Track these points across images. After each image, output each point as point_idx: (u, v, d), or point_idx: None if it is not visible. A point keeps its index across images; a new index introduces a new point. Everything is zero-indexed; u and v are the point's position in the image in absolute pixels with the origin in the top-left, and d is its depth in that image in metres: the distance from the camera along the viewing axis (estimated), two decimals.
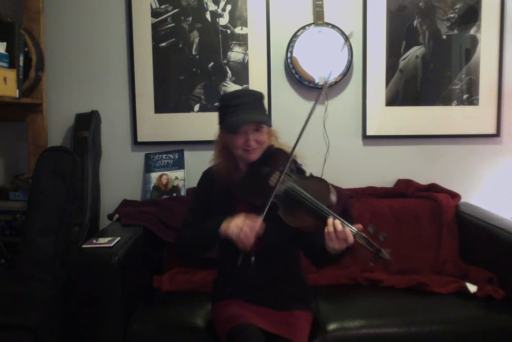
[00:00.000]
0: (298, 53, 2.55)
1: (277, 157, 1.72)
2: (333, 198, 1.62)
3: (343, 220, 1.55)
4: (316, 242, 1.63)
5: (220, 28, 2.59)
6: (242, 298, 1.75)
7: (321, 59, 2.55)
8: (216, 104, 1.77)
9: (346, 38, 1.58)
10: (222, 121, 1.75)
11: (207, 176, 1.87)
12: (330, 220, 1.55)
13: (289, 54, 2.56)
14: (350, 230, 1.53)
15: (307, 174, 1.76)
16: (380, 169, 2.69)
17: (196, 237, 1.77)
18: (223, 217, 1.67)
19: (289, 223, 1.60)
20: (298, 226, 1.60)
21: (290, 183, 1.64)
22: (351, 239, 1.52)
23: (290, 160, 1.64)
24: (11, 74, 2.16)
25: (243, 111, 1.68)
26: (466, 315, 1.95)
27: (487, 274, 2.13)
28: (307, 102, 2.64)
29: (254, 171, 1.73)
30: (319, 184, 1.66)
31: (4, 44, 2.16)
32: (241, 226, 1.59)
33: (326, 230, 1.54)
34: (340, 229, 1.52)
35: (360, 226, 1.56)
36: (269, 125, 1.72)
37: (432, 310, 1.98)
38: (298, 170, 1.76)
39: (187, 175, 2.60)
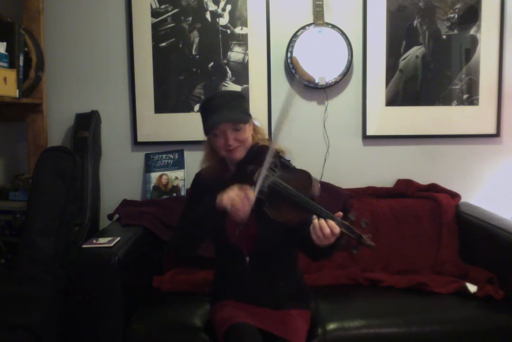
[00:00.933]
0: (298, 53, 2.55)
1: (261, 154, 1.70)
2: (316, 189, 1.60)
3: (325, 210, 1.53)
4: (305, 236, 1.61)
5: (220, 28, 2.59)
6: (239, 299, 1.76)
7: (321, 59, 2.56)
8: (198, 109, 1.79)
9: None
10: (203, 125, 1.76)
11: (199, 179, 1.88)
12: (315, 220, 1.53)
13: (289, 54, 2.56)
14: (334, 221, 1.51)
15: (291, 167, 1.75)
16: (380, 169, 2.69)
17: (191, 224, 1.74)
18: (211, 198, 1.65)
19: (273, 217, 1.59)
20: (283, 220, 1.60)
21: (274, 177, 1.64)
22: (337, 231, 1.50)
23: (268, 154, 1.62)
24: (11, 74, 2.15)
25: (217, 113, 1.68)
26: (466, 315, 1.95)
27: (487, 274, 2.13)
28: (307, 102, 2.65)
29: (241, 170, 1.74)
30: (302, 176, 1.64)
31: (4, 44, 2.15)
32: (234, 197, 1.58)
33: (311, 230, 1.52)
34: (324, 224, 1.50)
35: (340, 213, 1.54)
36: (244, 122, 1.71)
37: (432, 310, 1.98)
38: (283, 165, 1.73)
39: (187, 175, 2.60)
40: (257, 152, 1.74)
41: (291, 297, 1.78)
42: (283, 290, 1.77)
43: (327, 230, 1.50)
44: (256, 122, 1.82)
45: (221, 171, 1.80)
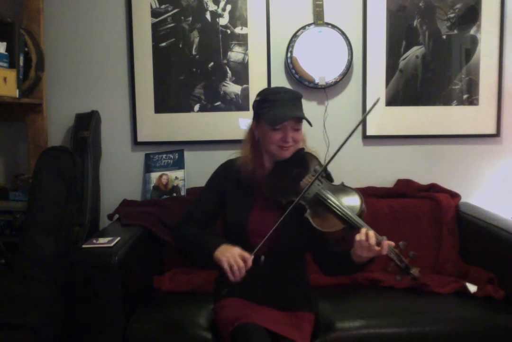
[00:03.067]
0: (298, 53, 2.55)
1: (307, 161, 1.75)
2: (365, 208, 1.66)
3: (376, 234, 1.57)
4: (332, 250, 1.67)
5: (220, 28, 2.59)
6: (246, 297, 1.75)
7: (321, 59, 2.55)
8: (257, 98, 1.78)
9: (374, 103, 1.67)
10: (261, 115, 1.73)
11: (226, 168, 1.84)
12: (363, 229, 1.57)
13: (289, 54, 2.56)
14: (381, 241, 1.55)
15: (338, 183, 1.78)
16: (380, 169, 2.69)
17: (193, 248, 1.79)
18: (220, 241, 1.68)
19: (316, 225, 1.61)
20: (326, 230, 1.62)
21: (322, 187, 1.68)
22: (385, 252, 1.54)
23: (326, 165, 1.68)
24: (11, 74, 2.15)
25: (285, 107, 1.68)
26: (466, 315, 1.95)
27: (487, 274, 2.13)
28: (307, 102, 2.64)
29: (282, 170, 1.75)
30: (351, 193, 1.70)
31: (4, 44, 2.15)
32: (234, 258, 1.59)
33: (358, 238, 1.55)
34: (372, 241, 1.53)
35: (392, 243, 1.58)
36: (310, 124, 1.71)
37: (432, 310, 1.98)
38: (328, 177, 1.77)
39: (187, 175, 2.60)
40: (303, 157, 1.77)
41: (298, 299, 1.79)
42: (292, 292, 1.78)
43: (372, 240, 1.53)
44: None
45: (259, 164, 1.78)
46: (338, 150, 1.65)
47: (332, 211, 1.63)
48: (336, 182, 1.77)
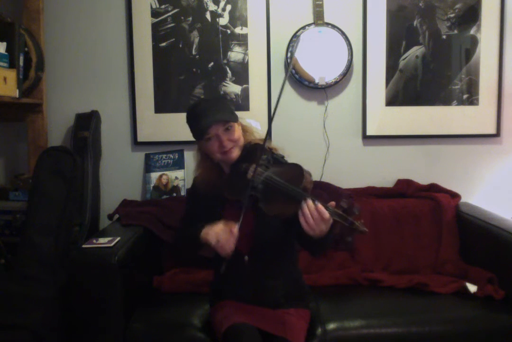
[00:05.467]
0: (298, 53, 2.55)
1: (254, 152, 1.71)
2: (308, 180, 1.58)
3: (315, 199, 1.51)
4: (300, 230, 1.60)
5: (220, 28, 2.59)
6: (238, 298, 1.76)
7: (321, 59, 2.56)
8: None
9: None
10: (192, 134, 1.77)
11: (194, 186, 1.90)
12: (303, 203, 1.50)
13: (289, 54, 2.56)
14: (324, 206, 1.48)
15: (283, 162, 1.75)
16: (380, 170, 2.69)
17: (187, 241, 1.82)
18: (203, 225, 1.69)
19: (267, 212, 1.59)
20: (276, 213, 1.59)
21: (266, 173, 1.64)
22: (326, 215, 1.47)
23: (259, 151, 1.63)
24: (11, 74, 2.15)
25: (205, 116, 1.69)
26: (466, 315, 1.95)
27: (487, 274, 2.13)
28: (307, 102, 2.65)
29: (235, 169, 1.74)
30: (293, 169, 1.64)
31: (4, 44, 2.15)
32: (219, 232, 1.61)
33: (300, 214, 1.50)
34: (312, 208, 1.47)
35: (333, 203, 1.51)
36: (234, 120, 1.72)
37: (432, 310, 1.98)
38: (276, 160, 1.74)
39: (187, 175, 2.60)
40: (250, 150, 1.75)
41: (289, 296, 1.78)
42: (282, 289, 1.77)
43: (315, 213, 1.47)
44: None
45: (217, 175, 1.81)
46: (269, 131, 1.63)
47: (278, 193, 1.58)
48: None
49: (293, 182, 1.57)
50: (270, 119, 1.58)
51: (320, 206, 1.48)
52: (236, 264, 1.71)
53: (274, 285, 1.76)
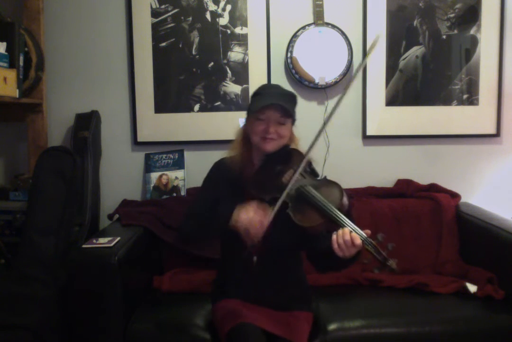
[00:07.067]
0: (298, 53, 2.55)
1: (292, 157, 1.73)
2: (345, 201, 1.62)
3: (354, 225, 1.55)
4: (321, 246, 1.63)
5: (220, 28, 2.59)
6: (242, 297, 1.75)
7: (321, 59, 2.56)
8: (252, 94, 1.81)
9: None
10: (250, 108, 1.75)
11: (218, 167, 1.85)
12: (339, 230, 1.54)
13: (289, 54, 2.56)
14: (359, 235, 1.52)
15: (321, 177, 1.77)
16: (380, 169, 2.69)
17: (201, 223, 1.74)
18: (231, 211, 1.65)
19: (297, 221, 1.59)
20: (307, 225, 1.60)
21: (303, 182, 1.66)
22: (358, 242, 1.51)
23: (305, 160, 1.65)
24: (11, 74, 2.15)
25: (273, 96, 1.69)
26: (466, 315, 1.95)
27: (487, 274, 2.13)
28: (307, 102, 2.64)
29: (267, 167, 1.74)
30: (332, 187, 1.66)
31: (4, 44, 2.16)
32: (252, 217, 1.59)
33: (333, 238, 1.53)
34: (347, 238, 1.51)
35: (368, 231, 1.55)
36: (292, 117, 1.72)
37: (432, 310, 1.98)
38: (312, 172, 1.76)
39: (187, 175, 2.60)
40: (288, 153, 1.75)
41: (294, 298, 1.78)
42: (288, 291, 1.77)
43: (347, 237, 1.51)
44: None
45: (246, 163, 1.78)
46: (314, 142, 1.65)
47: (312, 205, 1.60)
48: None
49: (330, 199, 1.60)
50: (319, 132, 1.60)
51: (354, 233, 1.52)
52: (244, 264, 1.70)
53: (280, 286, 1.76)
